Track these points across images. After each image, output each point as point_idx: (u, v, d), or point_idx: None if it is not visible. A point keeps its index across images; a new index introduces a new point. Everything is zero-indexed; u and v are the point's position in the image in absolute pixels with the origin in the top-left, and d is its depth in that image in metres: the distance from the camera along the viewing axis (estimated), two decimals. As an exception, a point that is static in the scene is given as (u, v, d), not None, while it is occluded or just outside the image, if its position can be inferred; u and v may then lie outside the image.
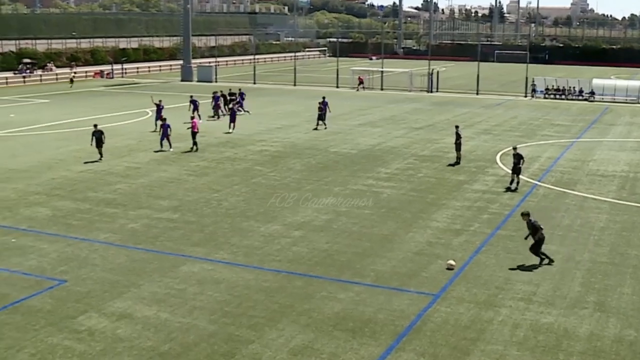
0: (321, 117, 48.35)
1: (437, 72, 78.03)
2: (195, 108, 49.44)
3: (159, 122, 42.62)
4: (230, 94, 56.17)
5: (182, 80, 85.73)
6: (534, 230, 21.39)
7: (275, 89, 78.99)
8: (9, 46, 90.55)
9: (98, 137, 36.59)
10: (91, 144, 36.78)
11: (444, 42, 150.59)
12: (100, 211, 26.99)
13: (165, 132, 39.31)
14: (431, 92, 76.20)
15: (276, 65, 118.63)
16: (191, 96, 52.73)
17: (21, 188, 30.65)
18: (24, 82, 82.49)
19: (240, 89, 58.26)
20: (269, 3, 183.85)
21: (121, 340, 16.17)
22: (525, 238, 21.99)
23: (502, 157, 38.69)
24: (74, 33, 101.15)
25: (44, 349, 15.77)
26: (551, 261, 21.49)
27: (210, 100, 53.95)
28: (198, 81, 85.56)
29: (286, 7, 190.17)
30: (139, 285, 19.41)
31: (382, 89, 78.31)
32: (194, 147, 39.66)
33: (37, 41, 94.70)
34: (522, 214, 22.10)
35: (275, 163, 36.57)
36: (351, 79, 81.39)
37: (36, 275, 20.15)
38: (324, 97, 52.00)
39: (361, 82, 79.31)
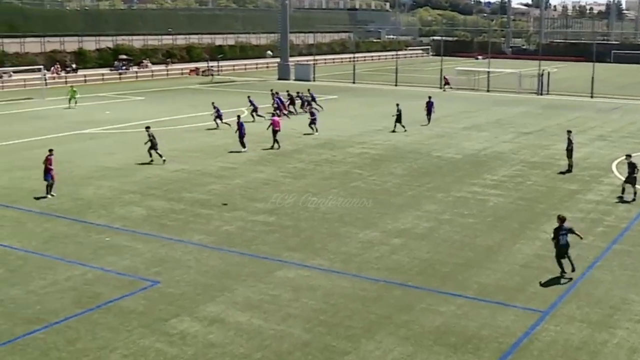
0: (399, 119, 47.89)
1: (548, 73, 76.33)
2: (279, 106, 51.90)
3: (218, 121, 46.32)
4: (297, 96, 56.87)
5: (279, 79, 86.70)
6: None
7: (375, 89, 78.97)
8: (106, 42, 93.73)
9: (152, 140, 36.76)
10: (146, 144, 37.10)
11: (556, 40, 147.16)
12: (194, 212, 27.57)
13: (241, 131, 39.75)
14: (541, 94, 74.61)
15: (376, 64, 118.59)
16: (276, 92, 54.69)
17: (116, 186, 31.65)
18: (120, 78, 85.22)
19: (309, 90, 58.49)
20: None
21: (213, 346, 16.44)
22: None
23: (618, 165, 37.48)
24: (170, 29, 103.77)
25: (136, 350, 16.20)
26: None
27: (272, 100, 54.61)
28: (295, 80, 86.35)
29: (388, 4, 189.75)
30: (233, 289, 19.71)
31: (488, 91, 77.18)
32: (276, 145, 40.45)
33: (134, 37, 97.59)
34: None
35: (375, 166, 36.54)
36: (456, 79, 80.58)
37: (130, 275, 20.75)
38: (429, 97, 52.03)
39: (447, 82, 78.65)
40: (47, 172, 29.71)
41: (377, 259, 22.38)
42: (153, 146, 36.76)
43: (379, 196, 30.38)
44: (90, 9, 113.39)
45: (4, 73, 75.34)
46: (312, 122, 46.59)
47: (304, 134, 45.71)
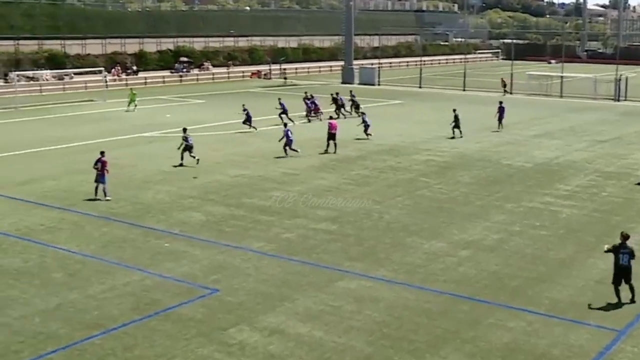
0: (457, 125, 47.43)
1: (626, 78, 74.89)
2: (312, 108, 54.03)
3: (247, 125, 47.60)
4: (350, 99, 57.73)
5: (342, 83, 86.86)
6: None
7: (442, 93, 78.55)
8: (167, 44, 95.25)
9: (187, 142, 37.41)
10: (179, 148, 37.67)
11: (635, 43, 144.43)
12: (254, 218, 27.76)
13: (288, 138, 39.96)
14: (618, 100, 73.24)
15: (443, 68, 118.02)
16: (311, 95, 56.52)
17: (175, 191, 32.09)
18: (181, 81, 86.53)
19: (337, 93, 58.51)
20: (437, 0, 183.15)
21: (273, 357, 16.50)
22: None
23: (702, 177, 36.54)
24: (231, 31, 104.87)
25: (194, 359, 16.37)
26: None
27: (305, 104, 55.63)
28: (360, 84, 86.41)
29: (456, 5, 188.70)
30: (293, 299, 19.76)
31: (561, 96, 76.11)
32: (332, 149, 41.01)
33: (195, 39, 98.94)
34: None
35: (442, 174, 36.33)
36: (527, 84, 79.64)
37: (188, 282, 20.97)
38: (500, 102, 51.68)
39: (504, 85, 77.72)
40: (103, 174, 30.24)
41: (443, 271, 22.21)
42: (187, 149, 37.31)
43: (445, 205, 30.17)
44: (151, 10, 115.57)
45: (65, 75, 77.16)
46: (366, 127, 46.56)
47: (356, 139, 45.75)
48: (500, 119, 51.39)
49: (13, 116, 56.60)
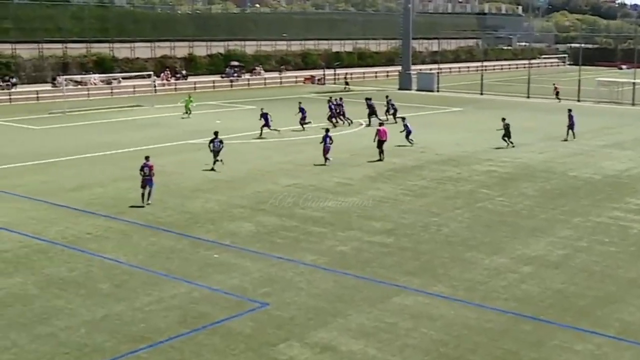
0: (508, 135, 46.93)
1: None
2: (337, 112, 55.09)
3: (265, 129, 49.60)
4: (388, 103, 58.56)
5: (399, 89, 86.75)
6: None
7: (505, 101, 77.97)
8: (217, 48, 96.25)
9: (217, 146, 38.55)
10: (211, 150, 38.75)
11: None
12: (306, 230, 27.84)
13: (326, 144, 40.14)
14: (695, 109, 71.88)
15: (506, 74, 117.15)
16: (339, 99, 57.86)
17: (225, 200, 32.35)
18: (231, 86, 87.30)
19: (340, 98, 59.34)
20: (500, 2, 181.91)
21: (325, 375, 16.50)
22: None
23: None
24: (284, 35, 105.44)
25: (243, 376, 16.46)
26: None
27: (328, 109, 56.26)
28: (417, 90, 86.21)
29: (520, 7, 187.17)
30: (346, 315, 19.75)
31: (633, 104, 74.95)
32: (381, 157, 41.46)
33: (246, 43, 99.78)
34: None
35: (504, 186, 36.05)
36: (596, 91, 78.59)
37: (237, 295, 21.10)
38: (569, 110, 51.23)
39: (557, 92, 76.82)
40: (151, 179, 30.96)
41: (504, 288, 21.99)
42: (214, 153, 38.44)
43: (507, 219, 29.92)
44: (201, 13, 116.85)
45: (114, 79, 78.47)
46: (408, 134, 46.72)
47: (398, 146, 45.85)
48: (571, 127, 50.76)
49: (62, 121, 57.79)
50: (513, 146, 46.78)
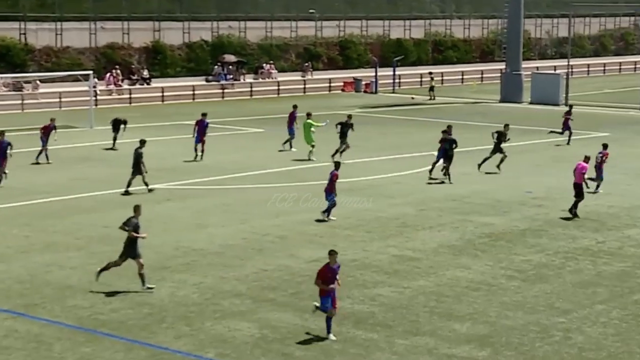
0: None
1: None
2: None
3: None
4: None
5: (501, 101, 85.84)
6: None
7: None
8: (200, 32, 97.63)
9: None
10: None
11: None
12: (345, 335, 26.45)
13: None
14: None
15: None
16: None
17: (209, 284, 31.38)
18: (223, 95, 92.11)
19: (349, 116, 58.77)
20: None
21: None
22: None
23: None
24: (311, 11, 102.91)
25: None
26: None
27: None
28: (532, 103, 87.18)
29: None
30: None
31: None
32: (573, 211, 41.93)
33: (248, 24, 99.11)
34: None
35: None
36: None
37: None
38: None
39: None
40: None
41: None
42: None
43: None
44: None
45: (26, 82, 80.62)
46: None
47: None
48: None
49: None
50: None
